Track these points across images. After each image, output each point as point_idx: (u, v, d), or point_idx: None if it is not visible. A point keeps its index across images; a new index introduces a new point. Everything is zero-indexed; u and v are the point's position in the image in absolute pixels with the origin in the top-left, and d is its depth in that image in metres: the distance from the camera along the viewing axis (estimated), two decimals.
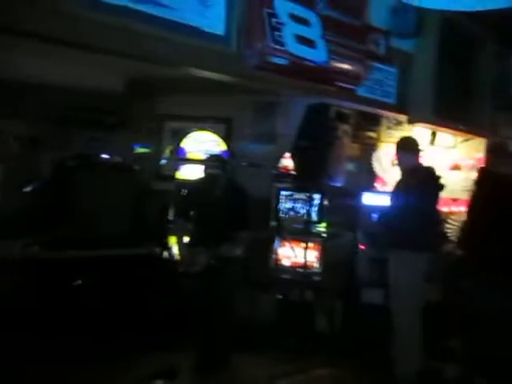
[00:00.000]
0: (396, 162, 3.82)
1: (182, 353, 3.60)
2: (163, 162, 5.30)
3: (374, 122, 4.83)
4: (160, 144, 5.51)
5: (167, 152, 5.55)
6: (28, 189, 4.37)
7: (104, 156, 4.53)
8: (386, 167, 4.57)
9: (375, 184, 4.60)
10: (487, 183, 3.42)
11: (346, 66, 3.48)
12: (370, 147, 4.74)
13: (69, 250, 3.81)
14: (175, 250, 4.33)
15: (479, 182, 3.59)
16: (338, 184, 3.96)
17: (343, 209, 4.41)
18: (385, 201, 4.07)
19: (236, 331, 3.83)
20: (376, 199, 4.26)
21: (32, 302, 3.54)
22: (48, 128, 5.31)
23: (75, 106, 5.42)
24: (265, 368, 3.34)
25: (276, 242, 4.28)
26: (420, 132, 4.58)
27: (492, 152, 3.41)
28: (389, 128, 4.84)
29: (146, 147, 5.61)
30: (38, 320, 3.52)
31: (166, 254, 4.40)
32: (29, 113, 5.03)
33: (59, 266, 3.70)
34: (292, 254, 4.18)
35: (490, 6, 3.28)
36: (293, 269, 4.19)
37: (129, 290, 3.99)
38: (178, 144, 4.65)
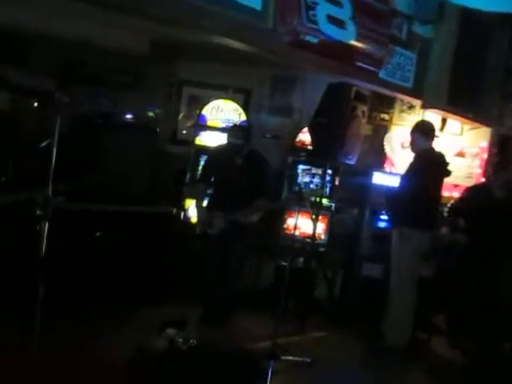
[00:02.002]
0: (410, 143, 4.00)
1: (191, 306, 3.85)
2: (180, 126, 5.42)
3: (387, 104, 5.00)
4: (177, 109, 5.61)
5: (181, 117, 5.67)
6: (45, 143, 4.47)
7: (127, 116, 4.62)
8: (396, 149, 4.77)
9: (384, 164, 4.81)
10: None
11: (370, 49, 3.62)
12: (382, 129, 4.93)
13: (90, 203, 3.95)
14: (191, 211, 4.54)
15: None
16: (351, 162, 4.15)
17: (353, 186, 4.62)
18: (392, 181, 4.29)
19: (242, 291, 4.10)
20: (384, 179, 4.46)
21: (54, 250, 3.70)
22: (63, 84, 5.33)
23: (88, 62, 5.44)
24: (266, 327, 3.59)
25: (287, 212, 4.51)
26: (431, 117, 4.76)
27: None
28: (401, 111, 5.01)
29: (162, 110, 5.71)
30: (58, 268, 3.69)
31: (181, 214, 4.59)
32: (45, 68, 5.03)
33: (81, 217, 3.86)
34: (301, 225, 4.41)
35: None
36: (301, 238, 4.42)
37: (145, 245, 4.17)
38: (200, 111, 4.77)
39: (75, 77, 5.43)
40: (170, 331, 3.29)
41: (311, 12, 3.17)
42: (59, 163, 3.97)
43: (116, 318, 3.64)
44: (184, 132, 5.54)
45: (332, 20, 3.30)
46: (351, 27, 3.43)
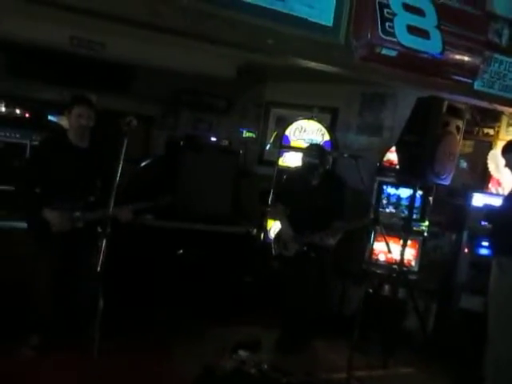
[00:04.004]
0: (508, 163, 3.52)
1: (269, 329, 3.77)
2: (267, 147, 5.48)
3: (492, 117, 4.49)
4: (265, 130, 5.68)
5: (272, 138, 5.72)
6: (145, 163, 4.80)
7: (211, 138, 4.79)
8: (502, 167, 4.23)
9: (488, 185, 4.31)
10: None
11: (461, 58, 3.31)
12: (485, 145, 4.43)
13: (175, 221, 4.11)
14: (271, 232, 4.51)
15: None
16: (444, 182, 3.77)
17: (448, 208, 4.20)
18: (496, 203, 3.82)
19: (322, 317, 3.92)
20: (486, 200, 3.99)
21: (139, 263, 3.91)
22: (162, 108, 5.69)
23: (188, 89, 5.74)
24: (345, 357, 3.36)
25: (373, 236, 4.25)
26: None
27: None
28: (510, 125, 4.46)
29: (252, 132, 5.83)
30: (140, 281, 3.88)
31: (261, 235, 4.59)
32: (146, 94, 5.40)
33: (166, 234, 4.04)
34: (388, 250, 4.11)
35: None
36: (388, 264, 4.12)
37: (224, 264, 4.23)
38: (283, 131, 4.77)
39: (179, 103, 5.84)
40: (242, 353, 3.26)
41: (388, 24, 2.99)
42: (146, 182, 4.27)
43: (192, 335, 3.71)
44: (272, 153, 5.58)
45: (413, 30, 3.08)
46: (436, 36, 3.15)
